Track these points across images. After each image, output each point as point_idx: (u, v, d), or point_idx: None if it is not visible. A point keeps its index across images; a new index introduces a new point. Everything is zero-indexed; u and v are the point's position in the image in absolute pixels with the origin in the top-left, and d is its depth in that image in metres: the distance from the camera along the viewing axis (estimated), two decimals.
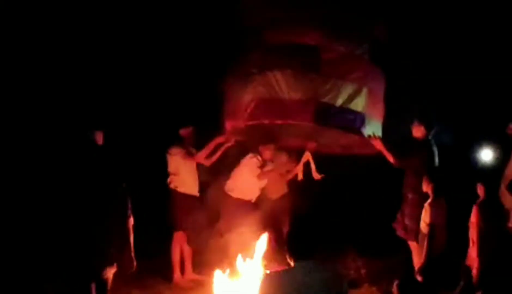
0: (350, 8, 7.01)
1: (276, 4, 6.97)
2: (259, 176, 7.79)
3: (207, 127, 7.72)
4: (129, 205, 5.64)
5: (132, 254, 5.70)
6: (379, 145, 7.10)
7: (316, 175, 7.83)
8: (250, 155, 7.82)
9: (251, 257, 6.57)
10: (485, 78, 9.53)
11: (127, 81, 9.69)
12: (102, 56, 9.57)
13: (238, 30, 7.26)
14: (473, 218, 6.28)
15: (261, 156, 7.82)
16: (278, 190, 8.36)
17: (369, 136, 6.99)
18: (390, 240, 8.77)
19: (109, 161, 5.85)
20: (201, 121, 7.81)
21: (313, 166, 7.77)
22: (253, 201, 7.95)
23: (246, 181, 7.82)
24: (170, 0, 9.52)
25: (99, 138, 6.09)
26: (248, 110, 6.86)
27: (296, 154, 8.28)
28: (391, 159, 7.17)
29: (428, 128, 7.16)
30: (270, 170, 7.97)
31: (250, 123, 6.99)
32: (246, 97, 6.88)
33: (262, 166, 7.82)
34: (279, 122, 7.03)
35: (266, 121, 7.01)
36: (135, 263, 5.73)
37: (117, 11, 9.51)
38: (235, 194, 7.81)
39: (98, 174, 5.58)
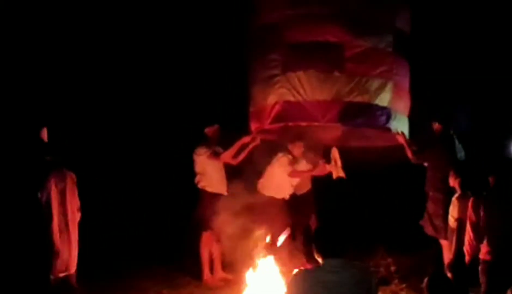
0: (371, 1, 6.95)
1: (296, 1, 6.92)
2: (291, 174, 7.80)
3: (233, 126, 7.74)
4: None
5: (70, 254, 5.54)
6: (401, 139, 7.13)
7: (340, 173, 7.71)
8: (280, 153, 7.82)
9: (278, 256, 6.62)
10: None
11: (155, 81, 9.77)
12: (132, 56, 9.68)
13: (257, 27, 7.23)
14: None
15: (290, 154, 7.81)
16: (303, 186, 8.36)
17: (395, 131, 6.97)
18: (419, 237, 8.75)
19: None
20: (227, 120, 7.82)
21: (339, 163, 7.69)
22: (286, 198, 7.97)
23: (279, 179, 7.84)
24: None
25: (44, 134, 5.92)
26: (273, 113, 6.91)
27: (323, 150, 8.25)
28: (409, 154, 7.21)
29: (443, 123, 7.16)
30: (305, 170, 7.98)
31: (275, 126, 6.99)
32: (270, 99, 6.92)
33: (292, 164, 7.81)
34: (304, 124, 7.03)
35: (290, 124, 7.03)
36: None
37: (143, 14, 9.61)
38: (267, 192, 7.84)
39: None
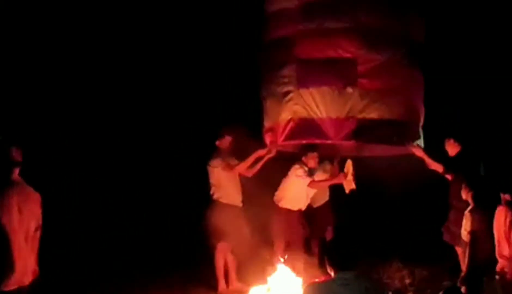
0: (384, 13, 6.86)
1: (307, 15, 6.87)
2: (311, 185, 7.79)
3: (250, 136, 7.80)
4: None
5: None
6: (419, 153, 7.09)
7: (352, 185, 7.72)
8: (296, 165, 7.83)
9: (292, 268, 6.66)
10: None
11: (170, 95, 9.86)
12: (138, 73, 9.78)
13: (270, 42, 7.26)
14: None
15: (305, 165, 7.85)
16: (320, 198, 8.39)
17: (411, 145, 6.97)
18: (435, 249, 8.75)
19: None
20: (241, 130, 7.88)
21: (352, 176, 7.69)
22: (303, 209, 7.99)
23: (295, 191, 7.85)
24: (204, 14, 9.62)
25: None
26: (286, 130, 6.91)
27: (338, 162, 8.28)
28: (433, 166, 7.20)
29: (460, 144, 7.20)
30: (323, 180, 8.02)
31: (288, 142, 7.06)
32: (284, 116, 6.92)
33: (309, 175, 7.81)
34: (317, 142, 7.06)
35: (304, 141, 7.08)
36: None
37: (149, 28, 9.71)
38: (283, 204, 7.87)
39: None
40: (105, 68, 9.88)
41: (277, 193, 7.96)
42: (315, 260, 8.15)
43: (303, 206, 7.97)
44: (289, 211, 7.84)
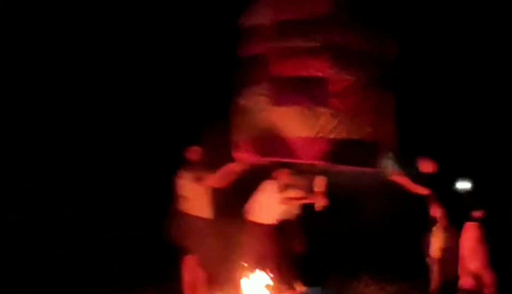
0: (356, 33, 6.85)
1: (280, 33, 6.85)
2: (284, 202, 7.72)
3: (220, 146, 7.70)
4: None
5: None
6: (400, 180, 7.16)
7: (323, 202, 7.67)
8: (268, 180, 7.77)
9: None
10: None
11: (139, 105, 9.75)
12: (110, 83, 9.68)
13: (245, 58, 7.20)
14: None
15: (279, 181, 7.77)
16: (292, 211, 8.33)
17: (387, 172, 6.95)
18: (404, 265, 8.77)
19: None
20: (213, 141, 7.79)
21: (322, 190, 7.63)
22: (274, 223, 7.88)
23: (266, 205, 7.78)
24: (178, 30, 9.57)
25: None
26: (256, 148, 6.87)
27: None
28: (424, 192, 7.22)
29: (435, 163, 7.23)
30: (297, 197, 7.88)
31: (257, 160, 7.00)
32: (254, 133, 6.88)
33: (280, 191, 7.74)
34: (287, 161, 7.02)
35: (274, 159, 7.02)
36: None
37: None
38: (253, 218, 7.80)
39: None
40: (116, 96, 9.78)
41: (247, 206, 7.89)
42: (284, 275, 8.04)
43: (274, 220, 7.89)
44: (258, 224, 7.77)
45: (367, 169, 7.13)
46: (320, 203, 7.57)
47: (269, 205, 7.78)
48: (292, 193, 7.86)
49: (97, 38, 9.87)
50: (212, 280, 7.77)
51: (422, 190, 7.21)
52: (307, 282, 7.13)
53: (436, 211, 6.57)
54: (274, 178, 7.76)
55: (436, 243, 6.50)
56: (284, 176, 7.76)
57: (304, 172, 8.08)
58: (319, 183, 7.58)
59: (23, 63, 9.36)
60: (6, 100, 9.10)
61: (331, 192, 7.79)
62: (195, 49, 9.77)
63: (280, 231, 8.05)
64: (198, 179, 7.44)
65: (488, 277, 6.01)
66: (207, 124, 8.28)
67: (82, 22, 9.65)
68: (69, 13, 9.56)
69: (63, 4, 9.51)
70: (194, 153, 7.58)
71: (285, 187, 7.79)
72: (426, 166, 7.32)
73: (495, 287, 5.95)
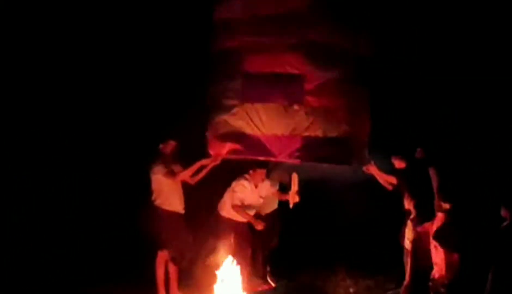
0: (332, 30, 6.68)
1: (255, 28, 6.68)
2: (234, 208, 7.59)
3: (193, 141, 7.62)
4: None
5: None
6: (374, 172, 7.20)
7: (296, 199, 7.62)
8: (238, 180, 7.66)
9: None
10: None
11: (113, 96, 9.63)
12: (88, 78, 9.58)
13: (218, 52, 7.04)
14: None
15: (251, 181, 7.66)
16: (270, 206, 8.27)
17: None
18: (380, 259, 8.76)
19: None
20: (186, 136, 7.70)
21: (296, 188, 7.57)
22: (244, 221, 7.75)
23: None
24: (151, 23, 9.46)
25: None
26: (229, 145, 6.75)
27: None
28: (392, 180, 7.31)
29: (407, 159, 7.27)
30: (246, 213, 7.69)
31: (231, 157, 6.88)
32: (227, 130, 6.75)
33: (251, 191, 7.63)
34: (261, 158, 6.88)
35: (248, 157, 6.89)
36: None
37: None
38: (226, 214, 7.70)
39: None
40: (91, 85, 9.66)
41: (221, 201, 7.80)
42: (258, 270, 7.99)
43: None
44: (231, 220, 7.68)
45: (343, 166, 7.10)
46: (293, 200, 7.51)
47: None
48: (263, 192, 7.78)
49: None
50: (185, 275, 7.74)
51: (391, 179, 7.29)
52: (281, 276, 7.18)
53: (408, 203, 6.56)
54: (248, 178, 7.65)
55: (409, 234, 6.49)
56: (258, 176, 7.62)
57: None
58: (293, 180, 7.52)
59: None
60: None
61: (306, 187, 7.76)
62: (169, 43, 9.61)
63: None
64: (170, 174, 7.37)
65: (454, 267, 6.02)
66: (182, 119, 8.21)
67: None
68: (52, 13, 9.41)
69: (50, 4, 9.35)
70: (169, 146, 7.48)
71: (256, 186, 7.70)
72: (399, 163, 7.37)
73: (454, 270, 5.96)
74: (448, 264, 5.92)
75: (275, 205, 8.27)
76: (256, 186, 7.66)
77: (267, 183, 7.81)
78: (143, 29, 9.46)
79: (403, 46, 9.03)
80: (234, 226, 7.66)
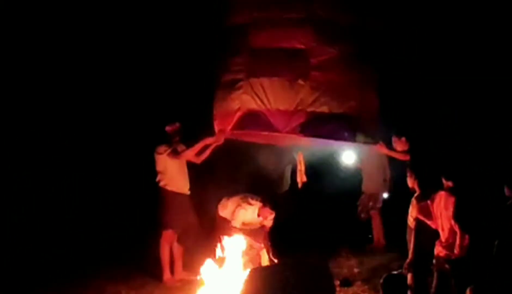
0: (339, 5, 6.66)
1: (263, 4, 6.66)
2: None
3: (198, 124, 7.63)
4: None
5: None
6: (384, 150, 7.42)
7: (302, 178, 7.63)
8: (245, 199, 7.56)
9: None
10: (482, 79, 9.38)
11: (117, 80, 9.63)
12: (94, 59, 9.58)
13: (224, 29, 7.04)
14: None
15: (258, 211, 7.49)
16: (282, 186, 8.29)
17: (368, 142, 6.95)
18: (384, 238, 8.77)
19: None
20: (191, 118, 7.71)
21: (302, 167, 7.56)
22: None
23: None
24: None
25: None
26: (235, 119, 6.71)
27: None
28: (402, 158, 7.60)
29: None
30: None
31: (236, 131, 6.86)
32: (233, 104, 6.71)
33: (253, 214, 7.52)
34: (265, 133, 6.81)
35: (252, 131, 6.86)
36: None
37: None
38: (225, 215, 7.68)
39: None
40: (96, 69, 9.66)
41: (219, 205, 7.75)
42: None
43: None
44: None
45: (348, 143, 7.10)
46: (301, 179, 7.52)
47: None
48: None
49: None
50: (190, 255, 7.78)
51: (404, 157, 7.56)
52: (285, 256, 7.19)
53: (411, 182, 6.57)
54: (256, 203, 7.50)
55: (412, 212, 6.50)
56: (265, 213, 7.44)
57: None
58: (299, 159, 7.52)
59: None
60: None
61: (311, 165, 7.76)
62: (177, 23, 9.62)
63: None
64: (175, 153, 7.38)
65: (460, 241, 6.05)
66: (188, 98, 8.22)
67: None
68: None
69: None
70: (173, 127, 7.50)
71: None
72: (400, 144, 7.62)
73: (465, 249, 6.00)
74: (461, 244, 5.94)
75: (287, 186, 8.30)
76: (258, 216, 7.53)
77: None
78: (150, 7, 9.46)
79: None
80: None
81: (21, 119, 9.39)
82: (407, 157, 7.59)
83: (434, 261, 6.13)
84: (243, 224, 7.47)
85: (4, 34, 8.87)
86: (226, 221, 7.56)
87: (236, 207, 7.47)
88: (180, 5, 9.35)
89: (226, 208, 7.60)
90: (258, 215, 7.43)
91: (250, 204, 7.46)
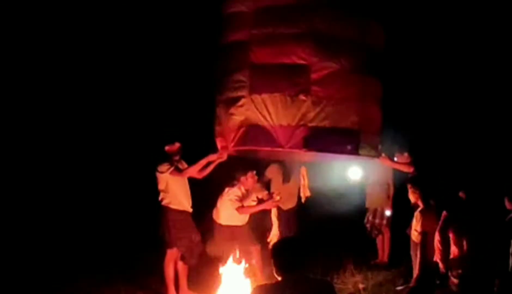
0: (339, 19, 6.66)
1: (262, 19, 6.68)
2: (239, 210, 7.57)
3: (199, 142, 7.63)
4: None
5: None
6: (387, 162, 7.39)
7: (306, 192, 7.62)
8: (230, 188, 7.67)
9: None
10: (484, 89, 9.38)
11: (120, 97, 9.67)
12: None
13: (224, 46, 7.09)
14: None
15: (243, 185, 7.65)
16: (290, 201, 8.27)
17: (371, 155, 6.90)
18: (390, 253, 8.72)
19: None
20: (191, 137, 7.71)
21: (306, 182, 7.56)
22: (244, 223, 7.78)
23: (229, 210, 7.65)
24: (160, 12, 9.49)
25: None
26: (237, 136, 6.71)
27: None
28: (406, 169, 7.68)
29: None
30: (251, 206, 7.75)
31: (239, 148, 6.85)
32: (235, 121, 6.72)
33: (243, 197, 7.64)
34: (267, 149, 6.86)
35: (254, 148, 6.88)
36: None
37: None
38: (220, 220, 7.71)
39: None
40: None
41: (214, 210, 7.80)
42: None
43: (240, 222, 7.77)
44: (230, 227, 7.68)
45: (351, 157, 7.08)
46: (304, 193, 7.51)
47: (232, 211, 7.63)
48: (251, 199, 7.78)
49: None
50: (194, 272, 7.74)
51: (408, 168, 7.64)
52: (282, 270, 7.15)
53: (414, 197, 6.57)
54: (240, 183, 7.63)
55: (417, 226, 6.48)
56: (251, 180, 7.62)
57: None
58: (303, 175, 7.51)
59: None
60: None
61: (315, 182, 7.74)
62: (177, 39, 9.67)
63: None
64: (177, 171, 7.37)
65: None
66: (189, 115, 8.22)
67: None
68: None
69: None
70: (173, 147, 7.48)
71: (248, 192, 7.71)
72: (403, 159, 7.74)
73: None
74: (460, 255, 5.93)
75: (294, 202, 8.28)
76: (247, 191, 7.64)
77: (257, 186, 7.80)
78: (151, 25, 9.51)
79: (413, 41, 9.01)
80: (234, 231, 7.67)
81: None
82: (410, 169, 7.66)
83: (441, 274, 6.11)
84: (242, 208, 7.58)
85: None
86: (228, 229, 7.63)
87: (228, 197, 7.58)
88: (181, 22, 9.38)
89: (219, 207, 7.69)
90: (246, 190, 7.54)
91: (235, 186, 7.60)
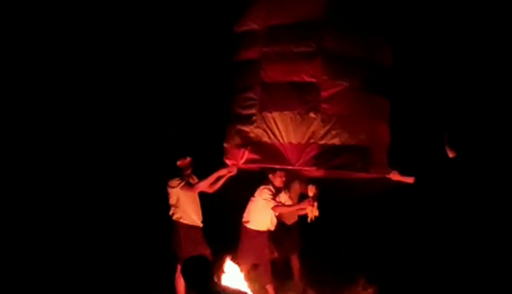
0: (349, 38, 6.75)
1: (272, 38, 6.78)
2: (275, 209, 7.45)
3: (210, 157, 7.66)
4: None
5: None
6: (397, 177, 7.09)
7: (315, 213, 7.55)
8: (263, 187, 7.50)
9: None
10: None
11: (129, 112, 9.72)
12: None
13: (235, 64, 7.14)
14: None
15: (272, 185, 7.57)
16: (294, 216, 8.25)
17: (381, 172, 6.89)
18: (400, 266, 8.67)
19: None
20: (203, 152, 7.74)
21: (315, 202, 7.50)
22: (272, 229, 7.67)
23: (263, 213, 7.52)
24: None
25: None
26: (247, 154, 6.80)
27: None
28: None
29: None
30: (288, 205, 7.69)
31: (248, 166, 6.91)
32: (245, 139, 6.81)
33: (275, 196, 7.52)
34: (277, 167, 6.92)
35: (264, 165, 6.93)
36: None
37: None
38: (251, 225, 7.59)
39: None
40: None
41: (245, 214, 7.66)
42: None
43: (272, 227, 7.68)
44: (258, 232, 7.57)
45: (361, 174, 7.03)
46: (312, 213, 7.45)
47: (265, 213, 7.52)
48: (282, 197, 7.71)
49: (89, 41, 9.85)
50: None
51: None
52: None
53: None
54: (270, 182, 7.53)
55: None
56: (279, 179, 7.45)
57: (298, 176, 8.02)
58: (310, 193, 7.45)
59: (19, 64, 9.38)
60: (6, 100, 9.10)
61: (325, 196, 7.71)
62: (189, 56, 9.71)
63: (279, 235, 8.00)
64: (188, 186, 7.40)
65: None
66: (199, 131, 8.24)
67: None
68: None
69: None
70: (184, 162, 7.49)
71: (279, 191, 7.63)
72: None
73: None
74: None
75: (295, 217, 8.26)
76: (276, 190, 7.54)
77: (283, 193, 7.73)
78: (163, 43, 9.54)
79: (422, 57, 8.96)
80: (259, 238, 7.58)
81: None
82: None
83: None
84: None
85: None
86: (258, 235, 7.55)
87: (262, 196, 7.44)
88: (193, 39, 9.42)
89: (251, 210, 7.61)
90: (277, 187, 7.44)
91: (266, 186, 7.45)
